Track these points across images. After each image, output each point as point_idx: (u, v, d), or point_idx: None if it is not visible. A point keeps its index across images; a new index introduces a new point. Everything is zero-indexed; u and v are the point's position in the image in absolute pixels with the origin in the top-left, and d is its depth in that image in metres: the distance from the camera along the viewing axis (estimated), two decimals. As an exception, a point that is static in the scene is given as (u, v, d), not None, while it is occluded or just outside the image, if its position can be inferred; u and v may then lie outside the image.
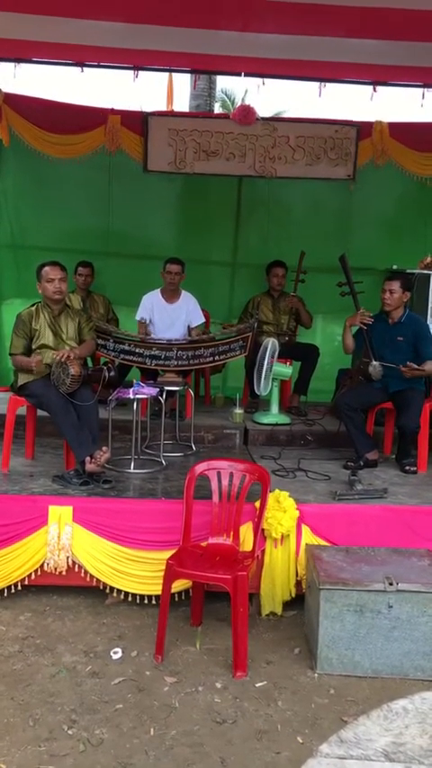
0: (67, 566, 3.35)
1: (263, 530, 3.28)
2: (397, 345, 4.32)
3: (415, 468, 4.27)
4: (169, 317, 5.27)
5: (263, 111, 6.01)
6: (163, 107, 5.92)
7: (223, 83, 13.96)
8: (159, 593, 3.04)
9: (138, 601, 3.37)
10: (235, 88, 16.09)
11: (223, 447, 4.87)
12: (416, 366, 4.16)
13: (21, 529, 3.36)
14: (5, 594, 3.39)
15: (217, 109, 13.56)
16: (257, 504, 3.31)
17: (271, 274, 5.73)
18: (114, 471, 4.03)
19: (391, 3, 3.83)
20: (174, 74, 5.65)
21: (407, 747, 1.34)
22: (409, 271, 5.79)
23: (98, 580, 3.38)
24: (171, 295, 5.34)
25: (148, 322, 5.28)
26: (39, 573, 3.38)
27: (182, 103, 10.61)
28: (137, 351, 4.67)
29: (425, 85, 5.51)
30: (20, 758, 2.32)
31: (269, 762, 2.35)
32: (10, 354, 4.07)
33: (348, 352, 4.63)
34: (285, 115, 13.46)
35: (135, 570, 3.35)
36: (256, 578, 3.33)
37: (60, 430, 3.82)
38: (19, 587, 3.40)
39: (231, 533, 3.22)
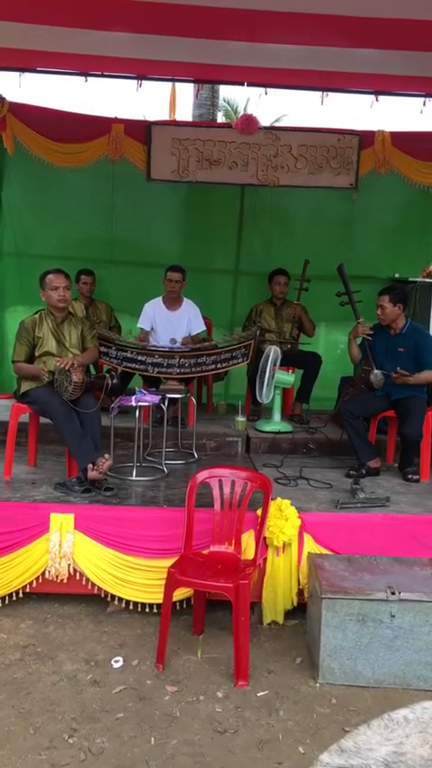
0: (69, 573, 3.35)
1: (264, 538, 3.28)
2: (398, 356, 4.32)
3: (417, 477, 4.27)
4: (171, 324, 5.29)
5: (264, 118, 6.05)
6: (166, 116, 5.96)
7: (225, 92, 14.06)
8: (161, 601, 3.04)
9: (139, 609, 3.36)
10: (237, 97, 16.21)
11: (225, 455, 4.87)
12: (405, 372, 4.16)
13: (22, 536, 3.36)
14: (6, 602, 3.39)
15: (220, 118, 13.63)
16: (259, 512, 3.30)
17: (273, 282, 5.75)
18: (116, 479, 4.03)
19: (393, 13, 3.86)
20: (176, 83, 5.69)
21: (407, 757, 1.33)
22: (411, 279, 5.80)
23: (99, 588, 3.37)
24: (173, 303, 5.35)
25: (150, 330, 5.29)
26: (40, 581, 3.37)
27: (185, 112, 10.68)
28: (139, 358, 4.68)
29: (426, 95, 5.53)
30: (21, 767, 2.31)
31: (270, 772, 2.34)
32: (12, 362, 4.08)
33: (355, 362, 4.65)
34: (285, 119, 13.61)
35: (136, 578, 3.35)
36: (258, 587, 3.32)
37: (62, 437, 3.83)
38: (20, 595, 3.39)
39: (233, 541, 3.21)
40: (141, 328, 5.32)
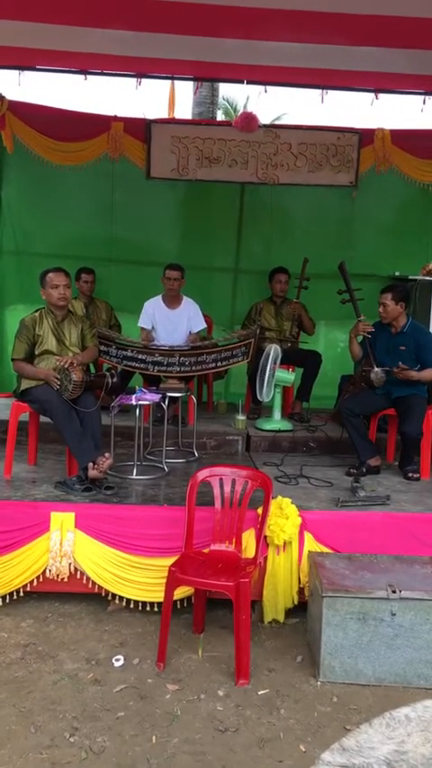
0: (69, 572, 3.35)
1: (265, 537, 3.28)
2: (399, 354, 4.32)
3: (418, 475, 4.27)
4: (171, 323, 5.28)
5: (264, 117, 6.04)
6: (165, 114, 5.95)
7: (225, 90, 14.03)
8: (161, 600, 3.04)
9: (140, 608, 3.36)
10: (236, 96, 16.18)
11: (225, 453, 4.87)
12: (406, 367, 4.17)
13: (23, 535, 3.36)
14: (7, 601, 3.39)
15: (219, 116, 13.61)
16: (260, 510, 3.30)
17: (274, 281, 5.75)
18: (117, 477, 4.03)
19: (393, 11, 3.85)
20: (176, 81, 5.67)
21: (409, 756, 1.33)
22: (411, 277, 5.80)
23: (100, 587, 3.37)
24: (172, 301, 5.34)
25: (150, 329, 5.28)
26: (41, 579, 3.37)
27: (185, 111, 10.66)
28: (139, 357, 4.68)
29: (426, 93, 5.53)
30: (21, 766, 2.31)
31: (271, 770, 2.34)
32: (12, 359, 4.08)
33: (356, 360, 4.65)
34: (285, 118, 13.60)
35: (137, 577, 3.35)
36: (259, 585, 3.32)
37: (63, 436, 3.83)
38: (21, 594, 3.39)
39: (234, 540, 3.21)
40: (142, 327, 5.31)
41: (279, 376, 4.96)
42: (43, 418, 4.12)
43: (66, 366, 3.81)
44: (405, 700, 2.74)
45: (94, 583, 3.36)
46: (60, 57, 5.03)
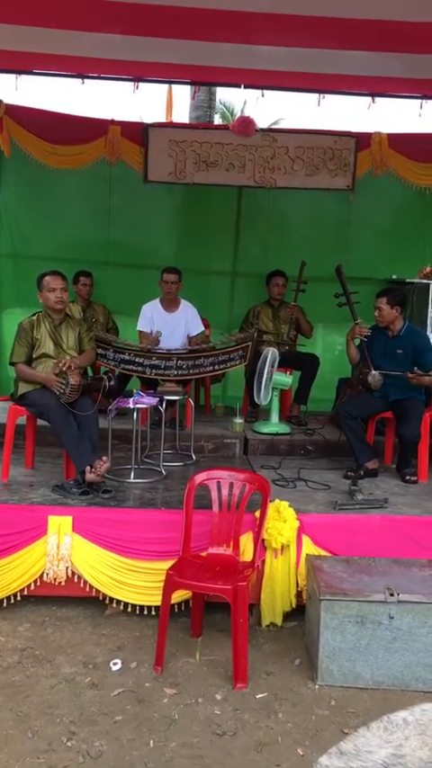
0: (67, 576, 3.34)
1: (263, 540, 3.28)
2: (396, 357, 4.33)
3: (415, 478, 4.27)
4: (169, 326, 5.27)
5: (261, 121, 6.06)
6: (163, 118, 5.97)
7: (222, 94, 14.05)
8: (159, 603, 3.03)
9: (137, 611, 3.35)
10: (234, 100, 16.19)
11: (223, 457, 4.86)
12: (422, 372, 4.17)
13: (20, 539, 3.36)
14: (4, 605, 3.38)
15: (217, 120, 13.63)
16: (257, 514, 3.30)
17: (271, 284, 5.76)
18: (114, 481, 4.02)
19: (390, 15, 3.86)
20: (173, 85, 5.69)
21: (407, 759, 1.32)
22: (408, 280, 5.81)
23: (98, 590, 3.37)
24: (170, 304, 5.35)
25: (150, 331, 5.27)
26: (38, 583, 3.36)
27: (182, 115, 10.68)
28: (137, 360, 4.68)
29: (423, 97, 5.55)
30: (18, 771, 2.31)
31: (269, 774, 2.34)
32: (11, 363, 4.07)
33: (353, 363, 4.65)
34: (283, 123, 13.61)
35: (135, 581, 3.34)
36: (257, 589, 3.31)
37: (60, 440, 3.82)
38: (18, 598, 3.39)
39: (231, 543, 3.21)
40: (141, 331, 5.31)
41: (277, 379, 4.96)
42: (40, 422, 4.12)
43: (64, 369, 3.81)
44: (403, 703, 2.73)
45: (91, 586, 3.36)
46: (57, 61, 5.04)
